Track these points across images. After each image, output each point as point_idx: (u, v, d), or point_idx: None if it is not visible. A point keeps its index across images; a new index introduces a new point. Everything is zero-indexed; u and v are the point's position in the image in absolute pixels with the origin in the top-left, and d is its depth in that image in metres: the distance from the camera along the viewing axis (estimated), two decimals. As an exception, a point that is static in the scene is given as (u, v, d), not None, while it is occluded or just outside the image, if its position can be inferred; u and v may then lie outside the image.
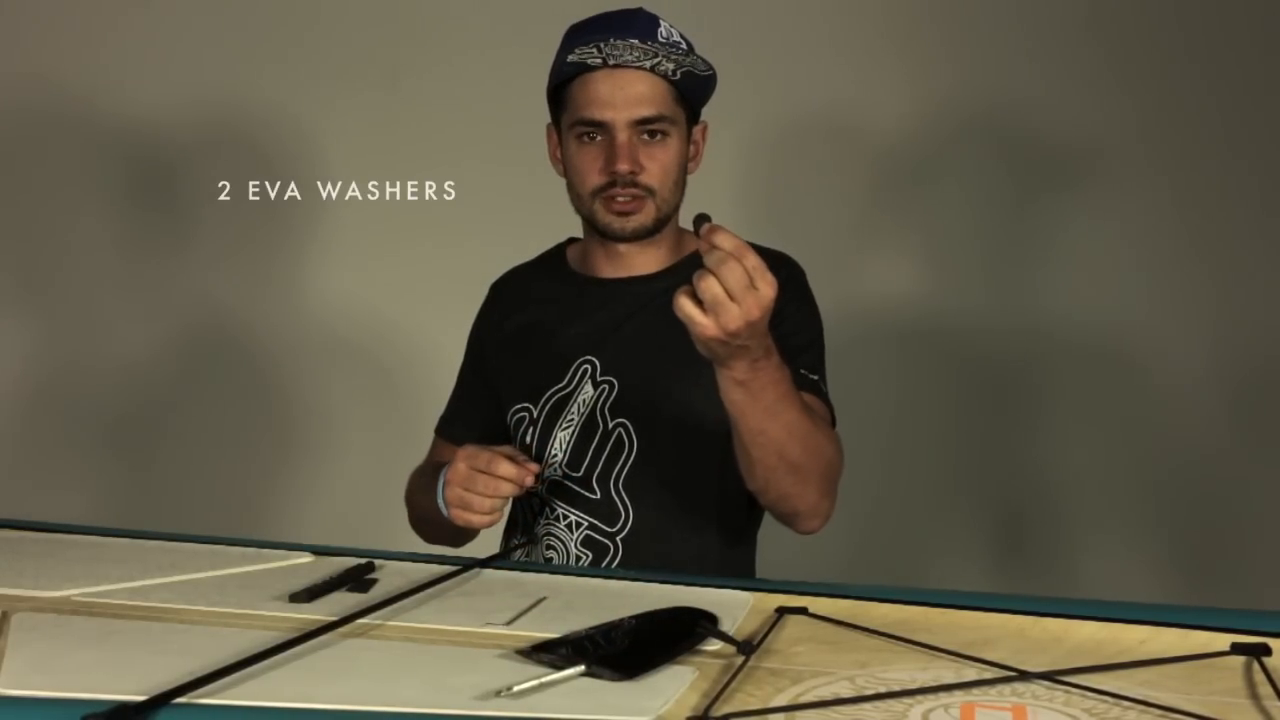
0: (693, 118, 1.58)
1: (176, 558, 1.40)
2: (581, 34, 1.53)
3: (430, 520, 1.58)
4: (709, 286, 1.15)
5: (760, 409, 1.29)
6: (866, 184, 2.71)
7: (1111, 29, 2.64)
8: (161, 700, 0.85)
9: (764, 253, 1.64)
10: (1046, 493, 2.69)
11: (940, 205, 2.68)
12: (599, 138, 1.51)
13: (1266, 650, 1.04)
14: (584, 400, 1.57)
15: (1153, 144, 2.63)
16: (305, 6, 2.69)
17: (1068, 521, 2.67)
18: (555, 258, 1.72)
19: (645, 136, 1.51)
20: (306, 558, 1.44)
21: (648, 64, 1.47)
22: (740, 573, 1.60)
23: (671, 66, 1.48)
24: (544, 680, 0.92)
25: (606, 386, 1.57)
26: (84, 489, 2.69)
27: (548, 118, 1.63)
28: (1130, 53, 2.64)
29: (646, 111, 1.49)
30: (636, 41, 1.46)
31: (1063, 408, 2.67)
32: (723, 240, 1.15)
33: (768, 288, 1.16)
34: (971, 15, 2.65)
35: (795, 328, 1.53)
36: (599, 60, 1.48)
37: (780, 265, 1.61)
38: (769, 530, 1.61)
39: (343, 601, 1.20)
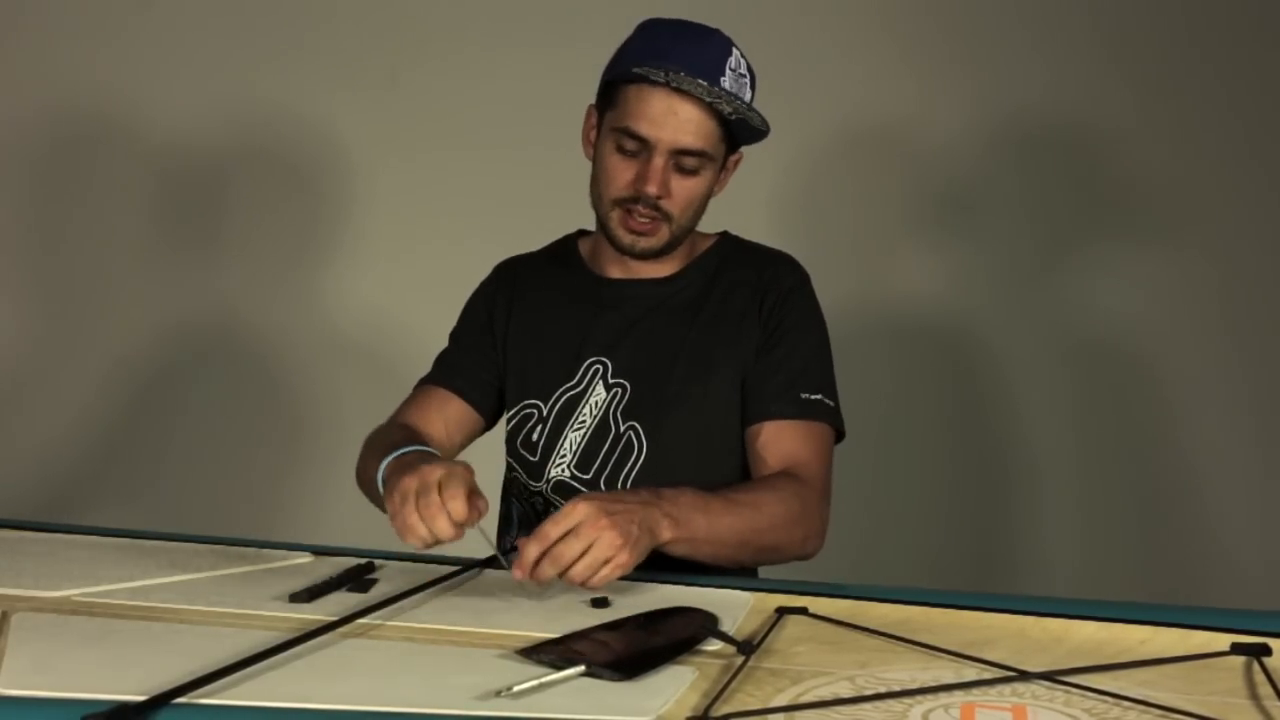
0: (731, 149, 1.57)
1: (176, 558, 1.40)
2: (656, 45, 1.50)
3: (374, 492, 1.48)
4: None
5: (701, 538, 1.34)
6: (894, 190, 2.70)
7: (1148, 44, 2.63)
8: (161, 700, 0.85)
9: (768, 254, 1.65)
10: (1048, 493, 2.69)
11: (968, 212, 2.67)
12: (637, 151, 1.50)
13: (1266, 650, 1.04)
14: (596, 403, 1.57)
15: (1183, 159, 2.62)
16: (318, 9, 2.69)
17: (1069, 521, 2.67)
18: (566, 250, 1.70)
19: (681, 165, 1.50)
20: (306, 558, 1.45)
21: (708, 98, 1.47)
22: (745, 574, 1.59)
23: (729, 110, 1.48)
24: (544, 680, 0.92)
25: (619, 390, 1.57)
26: (87, 488, 2.69)
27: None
28: (1165, 71, 2.63)
29: (691, 143, 1.48)
30: (705, 84, 1.44)
31: (1064, 410, 2.67)
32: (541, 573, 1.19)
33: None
34: (1004, 25, 2.64)
35: (791, 349, 1.55)
36: (662, 78, 1.46)
37: (785, 271, 1.61)
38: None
39: (343, 601, 1.20)
